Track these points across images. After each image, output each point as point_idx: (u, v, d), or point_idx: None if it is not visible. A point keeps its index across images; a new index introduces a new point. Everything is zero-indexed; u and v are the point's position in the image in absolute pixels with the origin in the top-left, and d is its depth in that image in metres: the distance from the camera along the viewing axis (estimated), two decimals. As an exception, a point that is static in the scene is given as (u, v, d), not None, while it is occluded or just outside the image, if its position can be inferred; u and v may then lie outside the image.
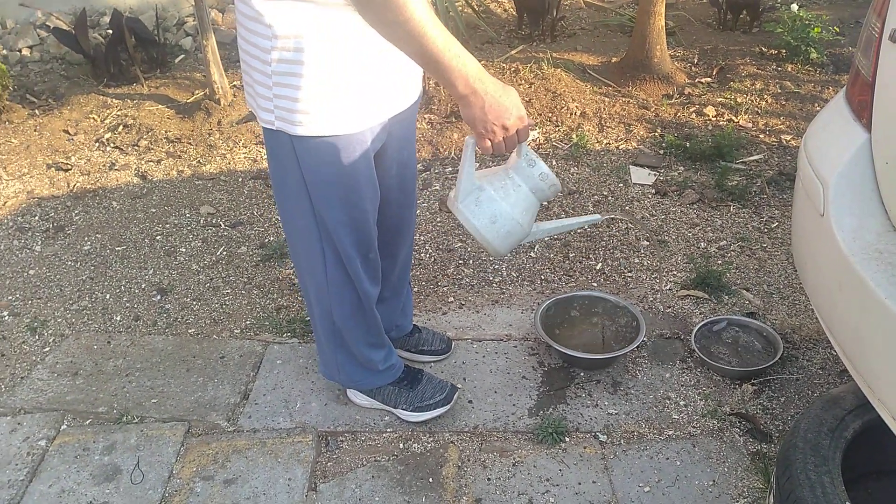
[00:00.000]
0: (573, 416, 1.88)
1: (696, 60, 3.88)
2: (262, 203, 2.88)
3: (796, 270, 1.84)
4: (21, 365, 2.10)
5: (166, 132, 3.34)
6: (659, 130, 3.27)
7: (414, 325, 2.07)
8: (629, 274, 2.42)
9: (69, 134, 3.37)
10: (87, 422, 1.89)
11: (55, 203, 2.91)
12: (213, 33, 3.40)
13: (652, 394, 1.95)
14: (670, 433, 1.83)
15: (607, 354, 2.01)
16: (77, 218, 2.81)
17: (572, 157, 3.08)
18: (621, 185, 2.90)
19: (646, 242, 2.57)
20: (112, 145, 3.29)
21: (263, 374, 2.03)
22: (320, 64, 1.33)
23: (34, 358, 2.13)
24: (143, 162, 3.17)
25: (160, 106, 3.53)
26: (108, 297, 2.38)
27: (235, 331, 2.21)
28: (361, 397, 1.89)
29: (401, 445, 1.81)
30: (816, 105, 3.44)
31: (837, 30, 3.96)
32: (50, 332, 2.23)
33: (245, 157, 3.19)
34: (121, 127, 3.39)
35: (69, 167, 3.14)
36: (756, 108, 3.42)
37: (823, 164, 1.45)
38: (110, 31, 3.86)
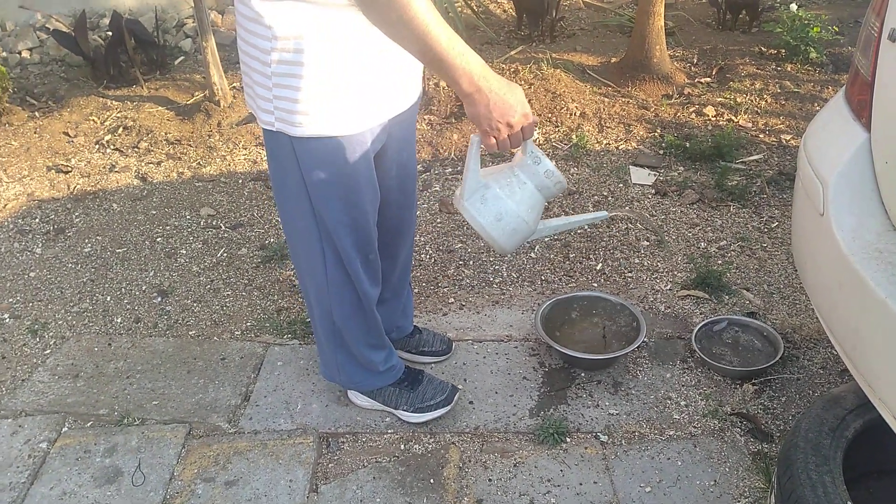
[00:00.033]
0: (574, 416, 1.88)
1: (695, 60, 3.88)
2: (263, 205, 2.88)
3: (796, 270, 1.84)
4: (22, 367, 2.10)
5: (166, 134, 3.34)
6: (659, 130, 3.27)
7: (414, 326, 2.07)
8: (629, 274, 2.42)
9: (69, 136, 3.37)
10: (89, 424, 1.89)
11: (55, 205, 2.91)
12: (212, 35, 3.40)
13: (653, 394, 1.95)
14: (671, 433, 1.83)
15: (608, 355, 2.01)
16: (77, 220, 2.81)
17: (572, 158, 3.08)
18: (621, 185, 2.90)
19: (646, 242, 2.57)
20: (112, 147, 3.29)
21: (264, 375, 2.03)
22: (320, 65, 1.33)
23: (35, 360, 2.13)
24: (143, 164, 3.17)
25: (160, 108, 3.53)
26: (108, 299, 2.39)
27: (236, 332, 2.21)
28: (362, 398, 1.89)
29: (402, 446, 1.81)
30: (816, 105, 3.44)
31: (837, 29, 3.96)
32: (51, 334, 2.23)
33: (245, 159, 3.19)
34: (121, 129, 3.39)
35: (69, 169, 3.14)
36: (756, 108, 3.42)
37: (823, 163, 1.45)
38: (110, 33, 3.86)
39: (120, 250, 2.63)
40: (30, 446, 1.82)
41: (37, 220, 2.82)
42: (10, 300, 2.39)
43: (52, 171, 3.14)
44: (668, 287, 2.35)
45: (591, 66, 3.74)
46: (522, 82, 3.49)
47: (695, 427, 1.85)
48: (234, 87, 3.57)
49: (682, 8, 4.61)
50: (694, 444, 1.80)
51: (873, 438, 1.42)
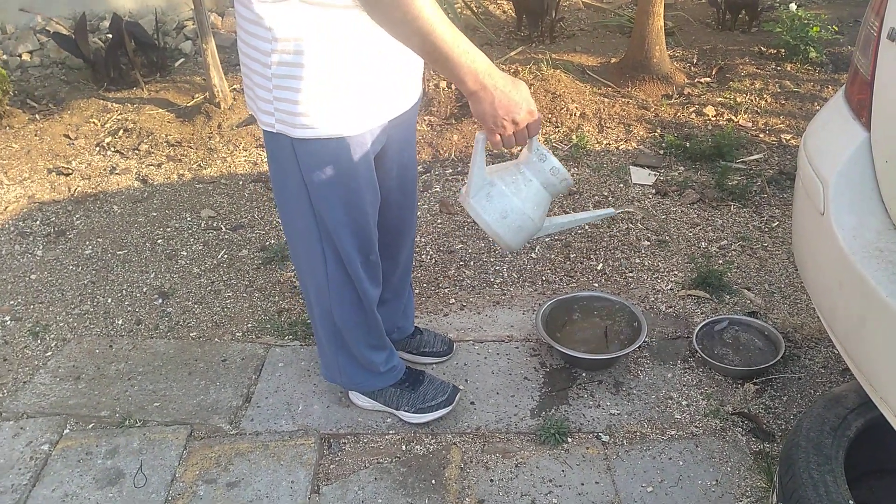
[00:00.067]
0: (575, 416, 1.88)
1: (695, 60, 3.88)
2: (263, 206, 2.88)
3: (797, 269, 1.84)
4: (23, 369, 2.10)
5: (167, 136, 3.34)
6: (659, 130, 3.27)
7: (415, 326, 2.07)
8: (630, 274, 2.42)
9: (70, 138, 3.38)
10: (90, 426, 1.89)
11: (56, 207, 2.91)
12: (212, 37, 3.41)
13: (654, 394, 1.95)
14: (673, 433, 1.83)
15: (609, 355, 2.01)
16: (78, 222, 2.82)
17: (572, 158, 3.08)
18: (622, 185, 2.90)
19: (646, 242, 2.57)
20: (112, 149, 3.29)
21: (265, 376, 2.03)
22: (320, 66, 1.33)
23: (36, 362, 2.13)
24: (143, 166, 3.18)
25: (160, 110, 3.53)
26: (109, 301, 2.39)
27: (237, 334, 2.22)
28: (363, 399, 1.89)
29: (403, 447, 1.81)
30: (816, 104, 3.44)
31: (836, 29, 3.96)
32: (52, 336, 2.24)
33: (245, 161, 3.20)
34: (121, 131, 3.39)
35: (70, 172, 3.14)
36: (756, 108, 3.42)
37: (823, 163, 1.45)
38: (110, 36, 3.86)
39: (121, 252, 2.63)
40: (31, 448, 1.82)
41: (37, 222, 2.82)
42: (12, 302, 2.39)
43: (53, 173, 3.14)
44: (669, 287, 2.35)
45: (590, 67, 3.74)
46: (522, 83, 3.48)
47: (696, 427, 1.85)
48: (234, 89, 3.57)
49: (682, 8, 4.61)
50: (695, 443, 1.80)
51: (875, 437, 1.42)
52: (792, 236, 1.72)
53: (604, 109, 3.40)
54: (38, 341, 2.22)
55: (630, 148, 3.16)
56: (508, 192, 1.42)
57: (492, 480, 1.71)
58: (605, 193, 2.84)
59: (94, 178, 3.10)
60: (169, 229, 2.75)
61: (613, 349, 2.04)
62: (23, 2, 4.12)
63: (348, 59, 1.34)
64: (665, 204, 2.78)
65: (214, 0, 4.58)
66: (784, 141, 3.18)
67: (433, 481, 1.71)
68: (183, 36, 4.31)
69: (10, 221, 2.83)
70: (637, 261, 2.48)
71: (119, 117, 3.49)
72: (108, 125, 3.45)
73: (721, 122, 3.32)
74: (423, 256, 2.54)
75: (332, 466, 1.76)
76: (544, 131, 3.26)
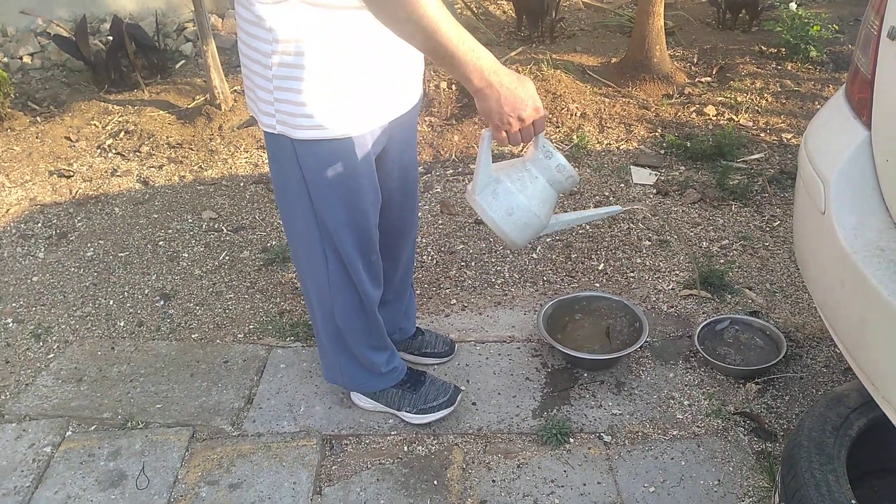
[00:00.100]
0: (577, 416, 1.88)
1: (695, 60, 3.88)
2: (264, 207, 2.89)
3: (798, 268, 1.84)
4: (26, 372, 2.10)
5: (168, 138, 3.34)
6: (659, 130, 3.27)
7: (417, 327, 2.07)
8: (631, 274, 2.42)
9: (71, 141, 3.38)
10: (92, 428, 1.90)
11: (58, 210, 2.92)
12: (212, 38, 3.41)
13: (656, 394, 1.95)
14: (675, 433, 1.83)
15: (610, 355, 2.01)
16: (80, 224, 2.82)
17: (573, 158, 3.08)
18: (622, 185, 2.90)
19: (648, 242, 2.57)
20: (114, 151, 3.30)
21: (267, 378, 2.04)
22: (321, 67, 1.33)
23: (38, 365, 2.13)
24: (144, 168, 3.18)
25: (161, 112, 3.53)
26: (111, 303, 2.39)
27: (239, 335, 2.22)
28: (365, 400, 1.89)
29: (405, 448, 1.81)
30: (816, 103, 3.44)
31: (836, 28, 3.96)
32: (54, 338, 2.24)
33: (246, 162, 3.20)
34: (122, 133, 3.40)
35: (71, 174, 3.15)
36: (756, 107, 3.42)
37: (824, 162, 1.45)
38: (111, 38, 3.87)
39: (122, 254, 2.63)
40: (34, 450, 1.82)
41: (39, 224, 2.83)
42: (14, 305, 2.39)
43: (54, 175, 3.15)
44: (670, 287, 2.35)
45: (591, 67, 3.74)
46: (523, 83, 3.48)
47: (698, 426, 1.84)
48: (234, 91, 3.57)
49: (682, 8, 4.61)
50: (697, 443, 1.80)
51: (877, 437, 1.42)
52: (793, 235, 1.72)
53: (604, 109, 3.40)
54: (41, 343, 2.22)
55: (631, 148, 3.16)
56: (514, 189, 1.42)
57: (494, 481, 1.72)
58: (606, 193, 2.84)
59: (95, 180, 3.11)
60: (170, 231, 2.76)
61: (615, 349, 2.04)
62: (24, 4, 4.13)
63: (349, 60, 1.35)
64: (666, 204, 2.78)
65: (215, 2, 4.58)
66: (785, 140, 3.18)
67: (435, 482, 1.71)
68: (183, 38, 4.32)
69: (12, 224, 2.83)
70: (638, 261, 2.48)
71: (120, 119, 3.50)
72: (109, 127, 3.46)
73: (722, 122, 3.32)
74: (425, 257, 2.54)
75: (334, 467, 1.77)
76: (545, 132, 3.26)
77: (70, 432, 1.88)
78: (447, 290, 2.38)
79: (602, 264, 2.47)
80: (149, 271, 2.54)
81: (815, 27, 3.76)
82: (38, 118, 3.56)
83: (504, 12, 4.61)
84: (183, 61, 4.11)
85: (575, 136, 3.20)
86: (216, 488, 1.71)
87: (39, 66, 4.08)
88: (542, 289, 2.37)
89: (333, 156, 1.43)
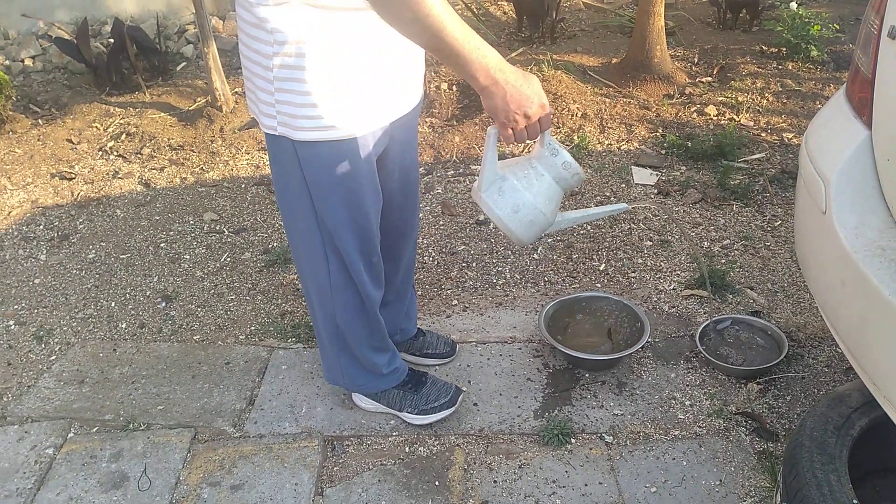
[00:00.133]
0: (578, 417, 1.88)
1: (696, 60, 3.88)
2: (266, 209, 2.89)
3: (800, 268, 1.84)
4: (27, 374, 2.11)
5: (169, 140, 3.35)
6: (660, 130, 3.27)
7: (418, 328, 2.07)
8: (633, 274, 2.42)
9: (72, 143, 3.39)
10: (94, 429, 1.90)
11: (59, 212, 2.92)
12: (213, 40, 3.41)
13: (657, 394, 1.95)
14: (676, 433, 1.83)
15: (612, 355, 2.01)
16: (81, 226, 2.82)
17: (574, 159, 3.07)
18: (623, 185, 2.90)
19: (649, 242, 2.57)
20: (115, 154, 3.30)
21: (269, 379, 2.04)
22: (322, 68, 1.33)
23: (40, 366, 2.13)
24: (146, 170, 3.18)
25: (162, 114, 3.54)
26: (113, 304, 2.39)
27: (240, 336, 2.22)
28: (366, 401, 1.89)
29: (406, 449, 1.81)
30: (817, 102, 3.43)
31: (837, 27, 3.96)
32: (56, 340, 2.24)
33: (248, 164, 3.20)
34: (124, 135, 3.40)
35: (73, 176, 3.15)
36: (757, 107, 3.42)
37: (825, 161, 1.45)
38: (112, 40, 3.88)
39: (124, 256, 2.64)
40: (36, 452, 1.82)
41: (41, 226, 2.83)
42: (16, 307, 2.40)
43: (56, 178, 3.15)
44: (671, 287, 2.35)
45: (591, 67, 3.74)
46: (523, 84, 3.48)
47: (700, 427, 1.84)
48: (236, 93, 3.58)
49: (683, 8, 4.61)
50: (699, 443, 1.79)
51: (878, 436, 1.42)
52: (794, 235, 1.72)
53: (605, 110, 3.40)
54: (42, 345, 2.22)
55: (632, 148, 3.16)
56: (520, 186, 1.42)
57: (495, 482, 1.72)
58: (608, 194, 2.84)
59: (96, 182, 3.11)
60: (172, 233, 2.76)
61: (616, 349, 2.04)
62: (25, 7, 4.14)
63: (350, 61, 1.35)
64: (667, 204, 2.78)
65: (215, 4, 4.59)
66: (786, 140, 3.18)
67: (437, 483, 1.71)
68: (184, 40, 4.32)
69: (14, 226, 2.84)
70: (639, 261, 2.48)
71: (121, 121, 3.50)
72: (110, 129, 3.46)
73: (723, 122, 3.32)
74: (426, 258, 2.55)
75: (335, 468, 1.77)
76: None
77: (72, 434, 1.88)
78: (448, 291, 2.38)
79: (603, 264, 2.47)
80: (150, 273, 2.54)
81: (815, 27, 3.76)
82: (39, 121, 3.56)
83: (504, 13, 4.61)
84: (184, 63, 4.12)
85: (576, 137, 3.20)
86: (218, 489, 1.71)
87: (41, 68, 4.09)
88: (543, 289, 2.37)
89: (335, 157, 1.43)
